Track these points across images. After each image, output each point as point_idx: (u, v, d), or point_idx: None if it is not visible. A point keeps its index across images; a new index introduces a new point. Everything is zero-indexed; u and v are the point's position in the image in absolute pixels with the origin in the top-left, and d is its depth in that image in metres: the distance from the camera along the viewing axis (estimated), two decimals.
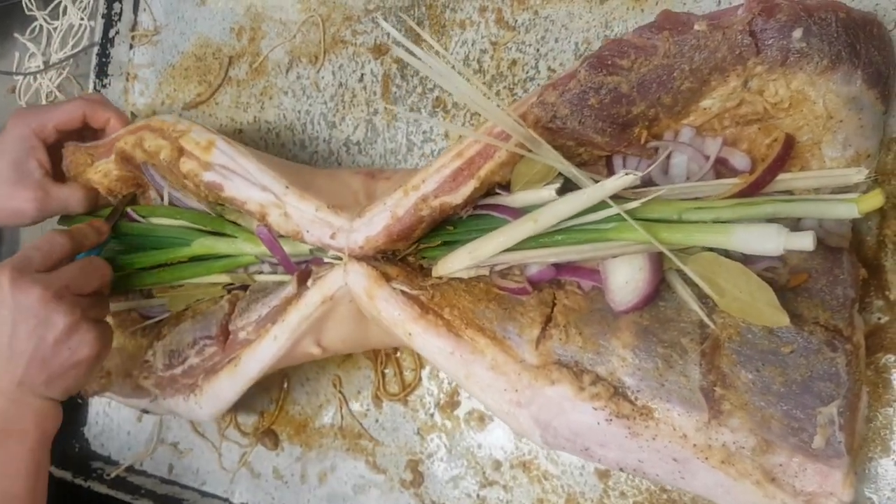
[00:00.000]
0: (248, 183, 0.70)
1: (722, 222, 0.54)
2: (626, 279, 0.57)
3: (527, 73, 0.72)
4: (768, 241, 0.51)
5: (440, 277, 0.64)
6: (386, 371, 0.77)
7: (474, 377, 0.59)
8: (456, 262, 0.63)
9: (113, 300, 0.89)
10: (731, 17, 0.53)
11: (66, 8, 1.06)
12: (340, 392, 0.79)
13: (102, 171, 0.79)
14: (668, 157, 0.59)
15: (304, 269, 0.71)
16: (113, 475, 0.89)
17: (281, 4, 0.86)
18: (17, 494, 0.65)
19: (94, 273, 0.70)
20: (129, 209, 0.81)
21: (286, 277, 0.75)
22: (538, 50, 0.71)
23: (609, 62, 0.55)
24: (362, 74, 0.81)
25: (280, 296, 0.71)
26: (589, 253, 0.59)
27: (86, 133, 0.81)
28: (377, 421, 0.77)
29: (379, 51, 0.79)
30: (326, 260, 0.69)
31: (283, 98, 0.86)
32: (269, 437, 0.82)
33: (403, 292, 0.63)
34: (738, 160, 0.57)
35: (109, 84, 0.97)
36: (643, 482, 0.64)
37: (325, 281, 0.65)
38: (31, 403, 0.65)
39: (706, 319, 0.54)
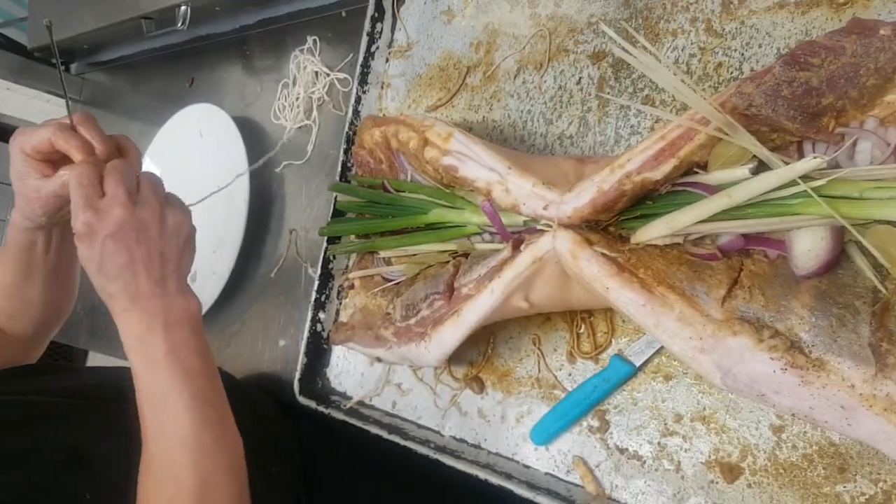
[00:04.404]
0: (478, 165, 0.85)
1: None
2: (808, 247, 0.64)
3: (731, 73, 0.79)
4: None
5: (637, 244, 0.74)
6: (580, 332, 0.87)
7: (663, 326, 0.68)
8: (653, 231, 0.72)
9: (361, 268, 1.09)
10: None
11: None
12: (539, 349, 0.90)
13: (373, 137, 1.00)
14: (854, 143, 0.65)
15: (518, 236, 0.85)
16: (348, 406, 1.06)
17: (515, 21, 1.00)
18: (196, 370, 0.73)
19: (129, 169, 0.75)
20: (384, 181, 1.00)
21: (501, 246, 0.89)
22: (742, 54, 0.79)
23: (802, 60, 0.63)
24: (580, 78, 0.93)
25: (497, 258, 0.85)
26: (776, 225, 0.66)
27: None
28: (570, 375, 0.87)
29: (597, 57, 0.91)
30: (538, 228, 0.82)
31: (509, 100, 1.01)
32: (476, 382, 0.95)
33: (603, 254, 0.73)
34: None
35: (368, 91, 1.16)
36: (814, 436, 0.68)
37: (537, 245, 0.77)
38: (174, 296, 0.74)
39: (879, 285, 0.60)
